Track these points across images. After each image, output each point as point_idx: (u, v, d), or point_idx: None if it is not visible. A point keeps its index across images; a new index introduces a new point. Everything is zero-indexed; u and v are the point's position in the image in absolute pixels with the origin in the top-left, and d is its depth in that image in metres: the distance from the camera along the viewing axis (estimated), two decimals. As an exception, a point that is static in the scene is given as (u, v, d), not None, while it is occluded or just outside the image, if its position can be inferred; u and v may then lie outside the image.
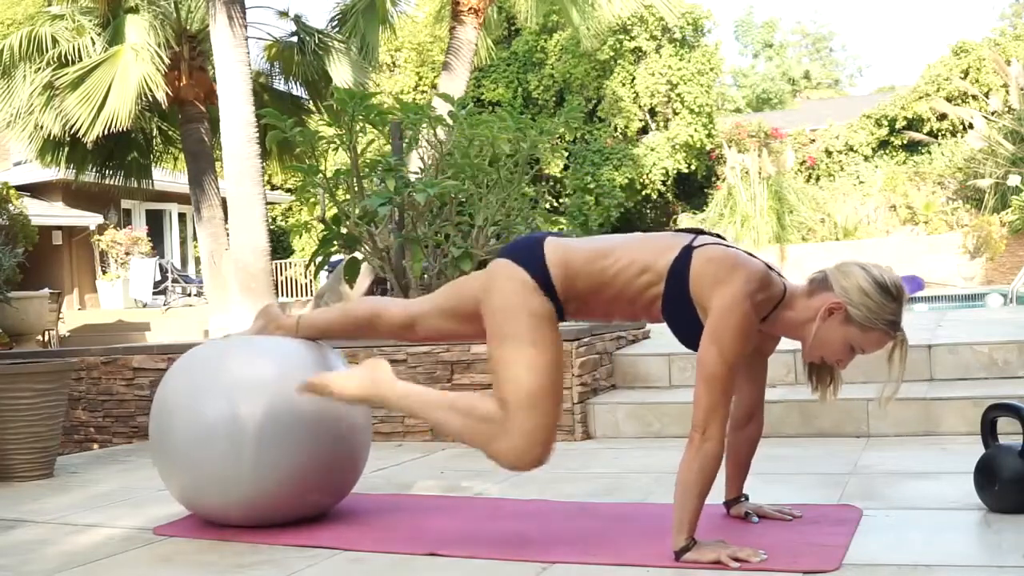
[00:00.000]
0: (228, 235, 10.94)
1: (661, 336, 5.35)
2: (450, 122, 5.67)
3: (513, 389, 2.42)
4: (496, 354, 2.49)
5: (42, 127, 12.01)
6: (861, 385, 3.99)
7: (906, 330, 2.42)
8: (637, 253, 2.48)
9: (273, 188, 20.30)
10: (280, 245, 22.17)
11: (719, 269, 2.37)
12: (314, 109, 13.37)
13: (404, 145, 5.72)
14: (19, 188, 13.66)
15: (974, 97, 19.37)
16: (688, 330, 2.45)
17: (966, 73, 20.43)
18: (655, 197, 21.94)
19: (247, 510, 2.81)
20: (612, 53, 21.65)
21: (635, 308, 2.52)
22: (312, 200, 5.64)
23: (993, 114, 17.86)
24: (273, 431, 2.74)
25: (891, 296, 2.37)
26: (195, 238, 16.96)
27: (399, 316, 2.80)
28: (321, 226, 5.65)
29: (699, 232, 2.50)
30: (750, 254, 2.46)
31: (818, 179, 21.42)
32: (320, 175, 5.47)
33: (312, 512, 2.91)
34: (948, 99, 20.18)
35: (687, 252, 2.42)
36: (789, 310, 2.45)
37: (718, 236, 2.52)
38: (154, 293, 16.41)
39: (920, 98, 20.88)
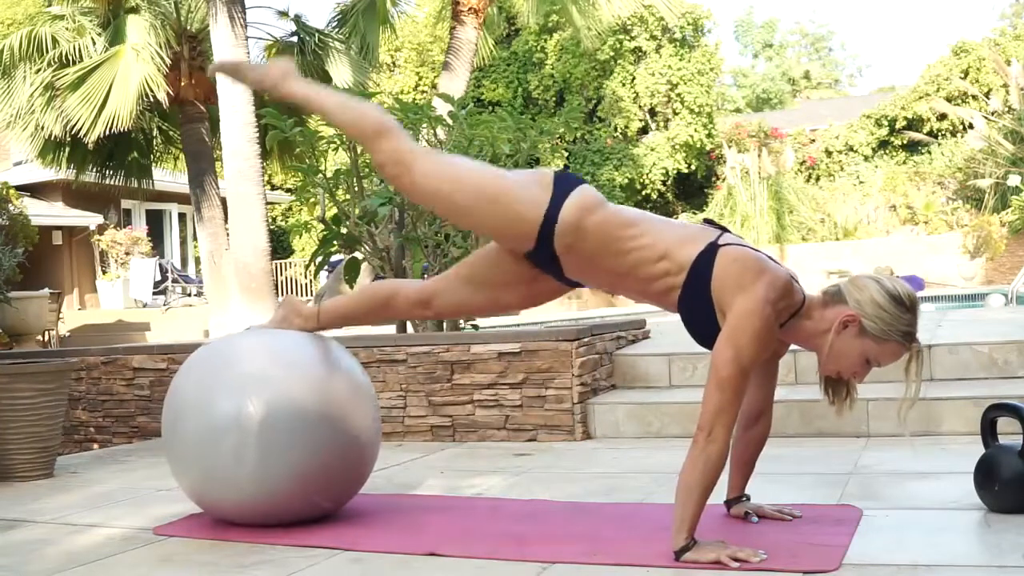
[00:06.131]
0: (228, 235, 10.94)
1: (661, 336, 5.35)
2: (450, 122, 5.67)
3: (447, 165, 2.63)
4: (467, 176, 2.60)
5: (43, 127, 12.01)
6: (861, 386, 3.98)
7: (921, 340, 2.41)
8: (660, 236, 2.45)
9: (273, 188, 20.30)
10: (280, 245, 22.17)
11: (744, 272, 2.36)
12: (314, 109, 13.34)
13: (404, 145, 5.70)
14: (19, 188, 13.65)
15: (974, 97, 19.37)
16: (703, 328, 2.44)
17: (966, 73, 20.44)
18: (655, 197, 21.94)
19: (253, 508, 2.80)
20: (612, 53, 21.65)
21: (647, 292, 2.50)
22: (312, 200, 5.63)
23: (993, 114, 17.87)
24: (279, 429, 2.73)
25: (905, 307, 2.37)
26: (195, 238, 16.96)
27: (415, 293, 2.82)
28: (321, 226, 5.65)
29: (725, 230, 2.49)
30: (774, 260, 2.45)
31: (818, 179, 21.43)
32: (320, 175, 5.47)
33: (317, 514, 2.91)
34: (948, 99, 20.19)
35: (713, 248, 2.41)
36: (806, 319, 2.45)
37: (740, 239, 2.50)
38: (154, 293, 16.40)
39: (920, 98, 20.88)
